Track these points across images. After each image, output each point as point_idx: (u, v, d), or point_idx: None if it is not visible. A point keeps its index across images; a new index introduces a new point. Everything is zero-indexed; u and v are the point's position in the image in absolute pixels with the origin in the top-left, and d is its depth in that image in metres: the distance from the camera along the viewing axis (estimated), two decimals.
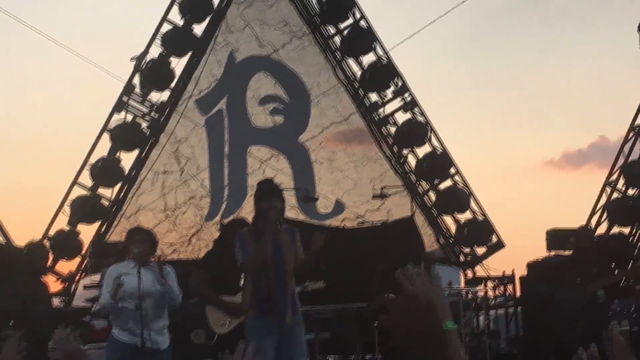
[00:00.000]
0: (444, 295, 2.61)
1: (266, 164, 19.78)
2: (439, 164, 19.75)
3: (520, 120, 70.77)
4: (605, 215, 19.12)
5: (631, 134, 19.82)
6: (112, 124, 18.13)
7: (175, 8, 18.75)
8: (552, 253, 17.00)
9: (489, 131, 71.94)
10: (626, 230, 18.78)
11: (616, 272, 17.35)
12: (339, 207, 19.99)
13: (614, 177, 19.58)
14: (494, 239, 19.58)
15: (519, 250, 23.39)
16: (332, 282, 15.35)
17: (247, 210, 19.11)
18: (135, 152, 18.49)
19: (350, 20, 20.11)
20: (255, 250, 8.83)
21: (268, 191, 9.13)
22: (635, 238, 18.67)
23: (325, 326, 14.20)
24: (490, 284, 17.98)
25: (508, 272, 17.71)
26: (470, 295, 16.66)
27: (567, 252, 16.71)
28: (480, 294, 17.34)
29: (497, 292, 17.83)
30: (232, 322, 10.32)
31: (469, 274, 19.29)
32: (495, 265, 19.02)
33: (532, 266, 16.32)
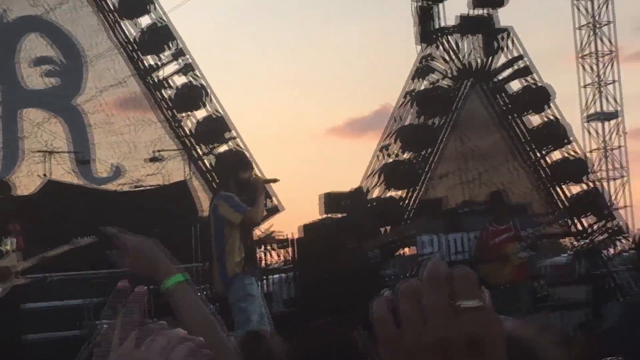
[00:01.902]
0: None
1: (41, 128, 19.26)
2: (216, 127, 19.73)
3: (305, 87, 71.62)
4: (380, 179, 19.60)
5: (404, 99, 20.39)
6: None
7: None
8: (327, 216, 17.30)
9: (274, 96, 72.53)
10: (399, 193, 19.34)
11: (388, 232, 17.82)
12: (117, 171, 19.71)
13: (389, 141, 20.10)
14: (273, 202, 19.74)
15: (299, 214, 23.72)
16: (106, 245, 15.16)
17: (22, 174, 18.59)
18: None
19: None
20: (252, 211, 9.34)
21: (246, 162, 9.92)
22: (408, 201, 19.23)
23: (99, 291, 13.98)
24: (269, 247, 18.12)
25: (286, 236, 17.91)
26: None
27: (342, 215, 17.03)
28: (258, 257, 17.45)
29: (274, 257, 17.97)
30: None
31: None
32: (273, 229, 19.19)
33: (307, 229, 16.54)
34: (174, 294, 2.93)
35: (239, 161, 9.88)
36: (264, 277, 16.83)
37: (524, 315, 13.51)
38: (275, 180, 10.41)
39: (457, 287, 1.29)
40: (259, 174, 19.66)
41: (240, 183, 9.62)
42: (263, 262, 17.43)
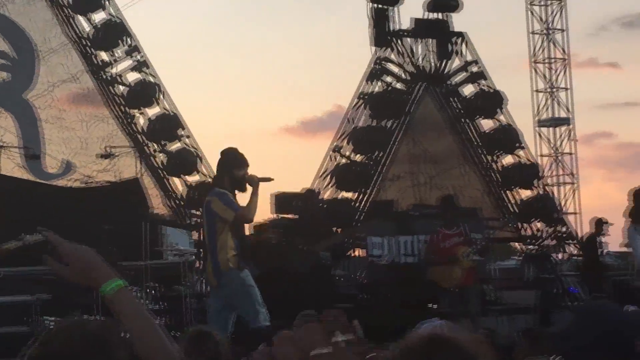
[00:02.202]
0: None
1: None
2: (168, 125, 19.64)
3: (259, 87, 71.49)
4: (332, 180, 19.62)
5: (357, 101, 20.43)
6: None
7: None
8: (277, 216, 17.29)
9: (227, 96, 72.34)
10: (349, 195, 19.37)
11: (339, 233, 17.84)
12: (67, 167, 19.56)
13: (341, 142, 20.12)
14: None
15: None
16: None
17: None
18: None
19: None
20: (245, 209, 9.59)
21: (242, 160, 9.89)
22: (359, 203, 19.26)
23: (45, 287, 13.88)
24: None
25: None
26: (195, 258, 16.65)
27: (293, 216, 17.04)
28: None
29: None
30: None
31: (197, 237, 19.27)
32: None
33: (257, 229, 16.52)
34: (114, 299, 2.92)
35: (234, 158, 9.91)
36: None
37: (473, 318, 13.62)
38: (269, 179, 10.47)
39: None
40: (211, 172, 19.65)
41: (234, 180, 9.75)
42: None
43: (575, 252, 22.18)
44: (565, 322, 3.76)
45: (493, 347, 5.98)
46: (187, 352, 5.53)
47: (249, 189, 9.80)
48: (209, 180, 19.59)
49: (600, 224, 17.33)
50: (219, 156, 9.98)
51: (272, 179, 10.37)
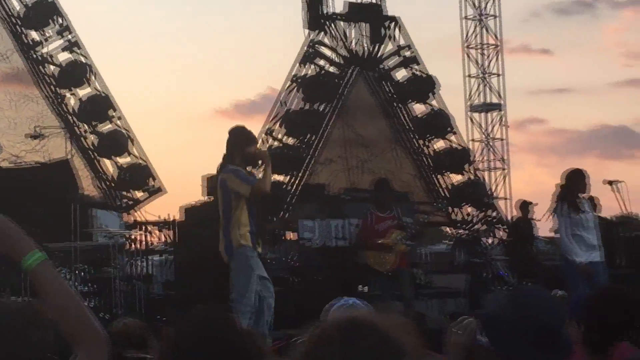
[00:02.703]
0: None
1: None
2: (100, 106, 19.45)
3: (192, 69, 71.12)
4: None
5: (290, 84, 20.40)
6: None
7: None
8: (209, 198, 17.16)
9: (159, 77, 71.82)
10: (281, 177, 19.35)
11: (272, 218, 17.81)
12: None
13: (274, 125, 20.10)
14: (154, 183, 19.58)
15: (180, 196, 23.56)
16: None
17: None
18: None
19: None
20: (260, 182, 9.86)
21: (252, 137, 10.34)
22: (291, 186, 19.26)
23: None
24: (150, 229, 17.94)
25: (167, 218, 17.75)
26: (125, 240, 16.53)
27: None
28: (138, 238, 17.25)
29: (156, 238, 17.80)
30: None
31: (128, 218, 19.15)
32: (155, 210, 19.03)
33: (187, 211, 16.41)
34: (36, 272, 2.85)
35: (244, 136, 10.13)
36: (145, 257, 16.67)
37: (407, 302, 13.71)
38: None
39: None
40: (142, 154, 19.52)
41: (245, 156, 9.97)
42: (144, 243, 17.25)
43: (504, 236, 22.40)
44: (493, 306, 3.79)
45: (422, 331, 6.02)
46: (115, 340, 5.50)
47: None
48: (140, 161, 19.47)
49: (525, 206, 17.48)
50: (227, 135, 10.37)
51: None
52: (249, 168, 10.15)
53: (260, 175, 10.26)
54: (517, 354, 3.62)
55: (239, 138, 10.09)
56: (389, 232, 13.48)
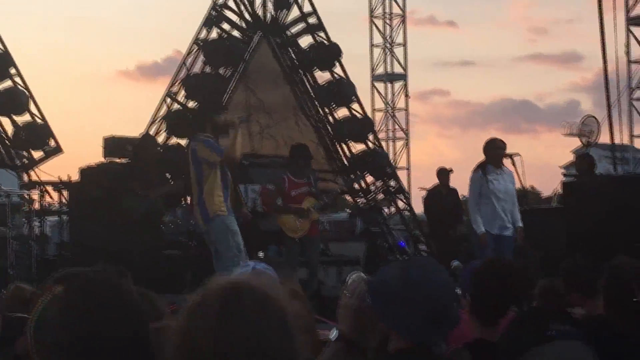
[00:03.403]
0: None
1: None
2: None
3: (96, 29, 70.03)
4: (164, 126, 19.44)
5: (194, 48, 20.27)
6: None
7: None
8: (108, 160, 16.99)
9: (60, 36, 70.60)
10: (182, 141, 19.21)
11: (172, 182, 17.68)
12: None
13: (175, 88, 19.95)
14: (52, 143, 19.28)
15: (79, 157, 23.28)
16: None
17: None
18: None
19: None
20: (229, 150, 10.13)
21: (220, 105, 11.31)
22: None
23: None
24: (47, 190, 17.70)
25: (65, 179, 17.53)
26: (22, 200, 16.30)
27: (123, 160, 16.77)
28: (34, 198, 17.03)
29: (52, 199, 17.57)
30: None
31: (25, 178, 18.86)
32: (53, 171, 18.75)
33: (85, 172, 16.23)
34: None
35: (213, 104, 10.62)
36: (41, 218, 16.44)
37: (313, 269, 13.78)
38: (248, 116, 11.00)
39: None
40: (41, 114, 19.22)
41: (215, 125, 10.39)
42: (40, 204, 17.02)
43: (403, 206, 22.63)
44: (383, 275, 3.79)
45: (319, 299, 6.05)
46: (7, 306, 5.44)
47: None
48: (39, 121, 19.16)
49: (444, 173, 17.58)
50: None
51: (251, 115, 10.80)
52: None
53: (228, 143, 10.44)
54: (402, 326, 3.62)
55: (208, 107, 10.58)
56: (304, 199, 13.50)
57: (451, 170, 17.70)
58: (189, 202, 17.98)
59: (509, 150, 13.03)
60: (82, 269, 2.99)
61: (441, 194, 17.64)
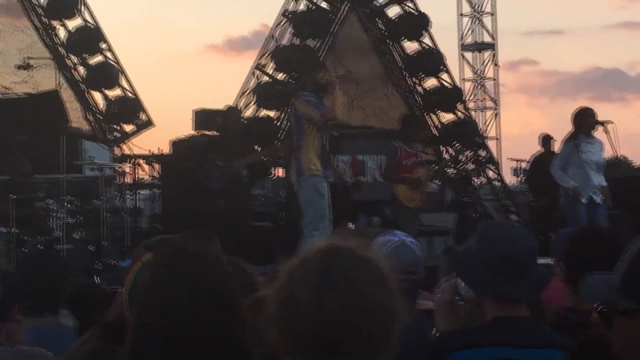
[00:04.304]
0: None
1: None
2: (90, 38, 19.31)
3: (184, 3, 70.58)
4: (254, 98, 19.52)
5: (282, 20, 20.28)
6: None
7: None
8: (198, 133, 17.12)
9: (149, 12, 71.32)
10: (272, 113, 19.28)
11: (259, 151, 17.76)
12: None
13: (264, 60, 19.99)
14: (143, 117, 19.50)
15: (170, 130, 23.53)
16: None
17: None
18: None
19: None
20: (329, 108, 10.27)
21: (320, 63, 11.38)
22: (280, 121, 19.16)
23: None
24: (139, 163, 17.92)
25: (157, 152, 17.74)
26: (114, 173, 16.51)
27: (213, 132, 16.87)
28: (127, 171, 17.23)
29: (145, 172, 17.78)
30: None
31: (117, 152, 19.12)
32: (145, 144, 18.99)
33: (176, 145, 16.36)
34: None
35: (314, 62, 10.84)
36: (134, 191, 16.65)
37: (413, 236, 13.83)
38: (348, 74, 11.05)
39: None
40: (132, 87, 19.44)
41: (315, 83, 10.49)
42: (132, 177, 17.24)
43: (493, 176, 22.42)
44: (465, 244, 3.89)
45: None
46: None
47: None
48: (130, 95, 19.39)
49: (547, 140, 17.29)
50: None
51: (351, 72, 10.60)
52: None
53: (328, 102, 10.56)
54: (485, 287, 3.68)
55: (308, 65, 10.75)
56: (416, 169, 13.48)
57: (553, 138, 17.40)
58: (278, 173, 18.07)
59: (600, 119, 12.83)
60: (171, 236, 3.03)
61: (544, 160, 17.39)
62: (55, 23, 19.50)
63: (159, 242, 3.11)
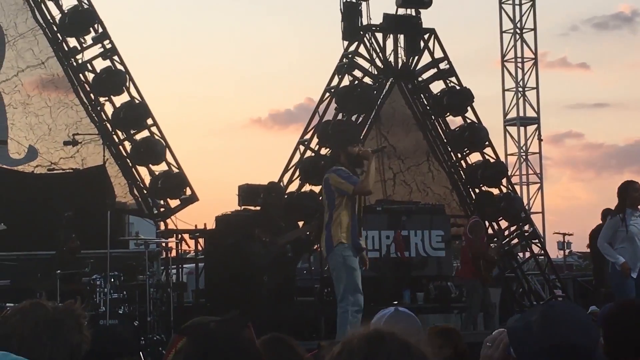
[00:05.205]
0: None
1: None
2: (136, 113, 19.51)
3: (230, 78, 71.29)
4: (297, 173, 19.59)
5: (326, 95, 20.41)
6: None
7: None
8: (242, 208, 17.21)
9: (196, 86, 72.04)
10: (316, 188, 19.31)
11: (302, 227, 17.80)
12: (32, 153, 19.41)
13: (308, 136, 20.10)
14: (188, 192, 19.59)
15: (215, 205, 23.64)
16: (17, 227, 14.96)
17: None
18: None
19: None
20: (363, 181, 10.50)
21: (354, 137, 11.45)
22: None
23: (6, 273, 13.79)
24: (184, 238, 18.01)
25: (201, 226, 17.80)
26: (159, 248, 16.60)
27: (257, 208, 16.95)
28: (171, 246, 17.32)
29: (189, 246, 17.85)
30: None
31: (162, 226, 19.21)
32: (189, 219, 19.06)
33: (220, 220, 16.45)
34: None
35: (348, 136, 11.09)
36: (178, 265, 16.70)
37: (489, 314, 13.96)
38: (383, 148, 11.09)
39: None
40: (177, 162, 19.58)
41: (350, 156, 10.71)
42: (177, 251, 17.30)
43: (538, 251, 22.25)
44: (524, 320, 3.72)
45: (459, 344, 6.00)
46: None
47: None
48: (175, 169, 19.53)
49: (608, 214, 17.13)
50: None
51: (385, 147, 10.74)
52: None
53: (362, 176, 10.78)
54: None
55: (343, 139, 10.90)
56: (489, 246, 13.79)
57: None
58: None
59: None
60: (207, 319, 3.05)
61: None
62: (102, 99, 19.73)
63: (192, 328, 3.12)
